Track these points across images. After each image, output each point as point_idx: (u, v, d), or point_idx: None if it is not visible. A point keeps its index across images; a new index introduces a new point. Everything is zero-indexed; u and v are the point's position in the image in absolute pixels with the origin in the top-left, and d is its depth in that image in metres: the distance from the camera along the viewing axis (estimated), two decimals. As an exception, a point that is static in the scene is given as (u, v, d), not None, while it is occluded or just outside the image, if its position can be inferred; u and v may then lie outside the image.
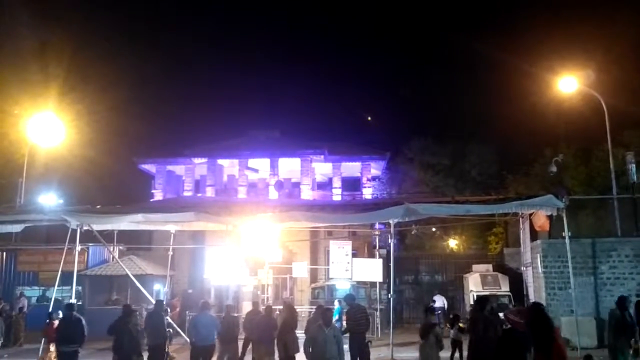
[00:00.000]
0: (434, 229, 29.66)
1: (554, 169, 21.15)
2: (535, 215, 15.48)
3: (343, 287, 21.37)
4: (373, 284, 20.18)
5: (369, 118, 40.26)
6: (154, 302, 14.82)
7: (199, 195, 29.05)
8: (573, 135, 24.92)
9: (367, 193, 29.20)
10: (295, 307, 14.22)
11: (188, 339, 12.16)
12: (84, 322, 10.77)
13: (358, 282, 20.43)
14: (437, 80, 58.59)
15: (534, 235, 17.07)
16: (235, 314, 14.03)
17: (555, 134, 26.33)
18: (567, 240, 13.57)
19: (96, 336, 17.53)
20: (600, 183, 21.97)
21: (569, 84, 20.01)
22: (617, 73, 24.06)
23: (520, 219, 17.47)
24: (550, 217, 14.41)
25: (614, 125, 19.60)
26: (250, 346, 12.65)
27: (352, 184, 30.97)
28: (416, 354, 15.19)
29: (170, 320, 13.76)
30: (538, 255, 16.48)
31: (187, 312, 17.77)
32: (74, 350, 10.52)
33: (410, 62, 68.70)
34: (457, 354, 12.80)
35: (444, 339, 9.66)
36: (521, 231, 18.60)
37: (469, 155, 32.43)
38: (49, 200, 26.13)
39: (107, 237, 17.02)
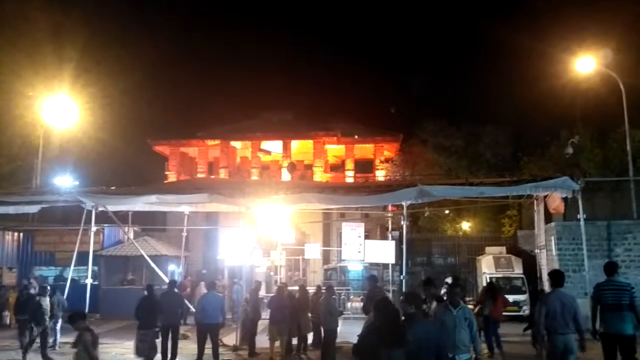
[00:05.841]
0: (447, 211, 29.57)
1: (569, 150, 20.86)
2: (549, 198, 15.33)
3: (355, 268, 21.49)
4: (385, 266, 20.22)
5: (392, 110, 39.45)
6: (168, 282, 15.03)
7: (212, 177, 29.19)
8: (590, 116, 24.44)
9: (380, 175, 29.12)
10: (307, 288, 14.35)
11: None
12: (36, 299, 12.66)
13: (370, 264, 20.48)
14: (451, 61, 57.94)
15: (549, 218, 16.91)
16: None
17: (571, 115, 25.84)
18: (582, 223, 13.41)
19: (111, 315, 18.15)
20: (616, 165, 21.60)
21: (586, 64, 19.56)
22: (636, 53, 23.49)
23: (535, 201, 17.30)
24: (565, 199, 14.28)
25: (632, 106, 19.18)
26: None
27: (365, 166, 30.90)
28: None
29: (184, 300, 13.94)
30: (552, 237, 16.36)
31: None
32: (25, 319, 12.45)
33: (425, 44, 67.95)
34: None
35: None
36: (535, 213, 18.41)
37: (483, 137, 32.12)
38: (65, 181, 26.40)
39: (122, 218, 17.18)
